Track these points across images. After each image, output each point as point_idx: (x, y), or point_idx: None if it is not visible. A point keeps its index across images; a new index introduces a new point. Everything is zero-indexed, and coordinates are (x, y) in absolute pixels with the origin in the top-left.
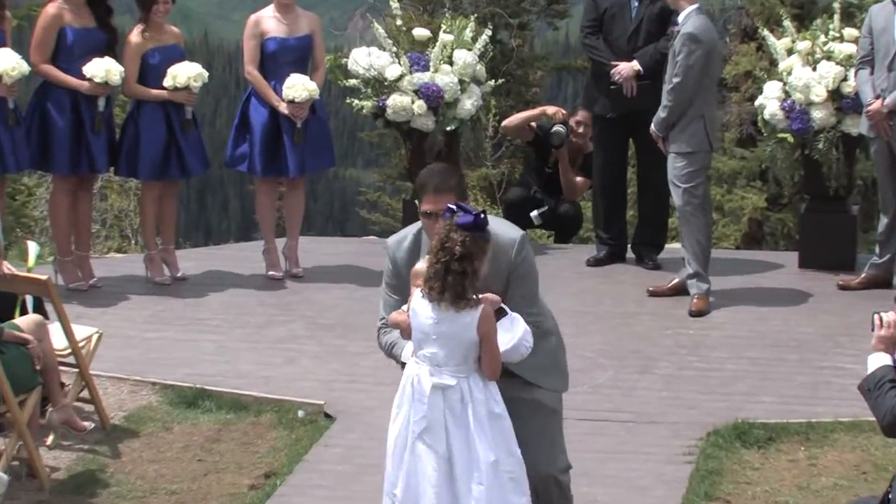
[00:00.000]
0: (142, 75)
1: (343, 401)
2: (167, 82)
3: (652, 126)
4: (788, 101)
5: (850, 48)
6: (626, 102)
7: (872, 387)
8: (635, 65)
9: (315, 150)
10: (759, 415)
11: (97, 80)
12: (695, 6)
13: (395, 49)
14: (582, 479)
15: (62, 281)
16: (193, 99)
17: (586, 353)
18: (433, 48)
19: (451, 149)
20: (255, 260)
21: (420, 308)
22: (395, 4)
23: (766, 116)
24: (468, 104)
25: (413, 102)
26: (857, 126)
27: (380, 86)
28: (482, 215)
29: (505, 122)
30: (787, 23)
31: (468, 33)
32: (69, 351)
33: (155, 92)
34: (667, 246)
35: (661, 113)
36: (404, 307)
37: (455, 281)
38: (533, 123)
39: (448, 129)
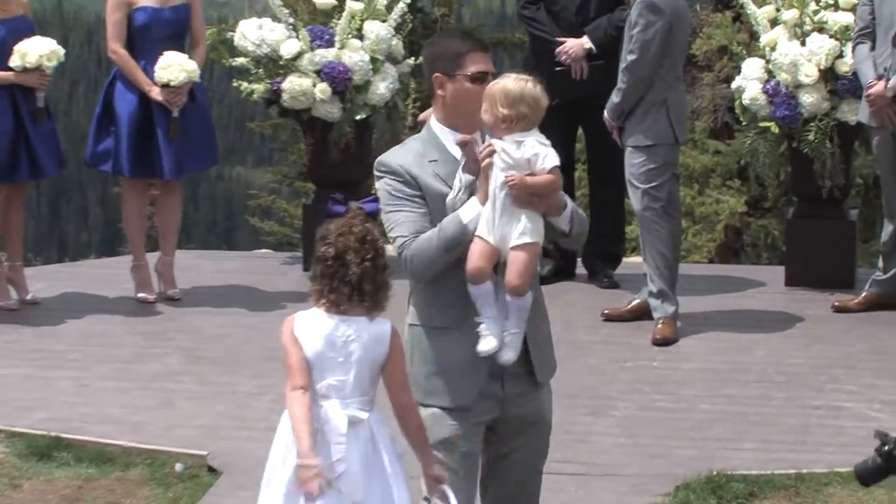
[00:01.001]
0: None
1: (231, 451)
2: (14, 62)
3: (605, 113)
4: (772, 83)
5: (846, 18)
6: (575, 87)
7: None
8: (585, 41)
9: (195, 145)
10: (738, 465)
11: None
12: None
13: (292, 21)
14: None
15: None
16: (46, 82)
17: None
18: (339, 19)
19: (362, 142)
20: (122, 279)
21: (321, 326)
22: None
23: (746, 101)
24: (382, 87)
25: (314, 86)
26: (856, 113)
27: (274, 65)
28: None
29: (422, 116)
30: None
31: (381, 0)
32: None
33: (0, 74)
34: (625, 259)
35: (614, 97)
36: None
37: (382, 282)
38: None
39: (358, 117)
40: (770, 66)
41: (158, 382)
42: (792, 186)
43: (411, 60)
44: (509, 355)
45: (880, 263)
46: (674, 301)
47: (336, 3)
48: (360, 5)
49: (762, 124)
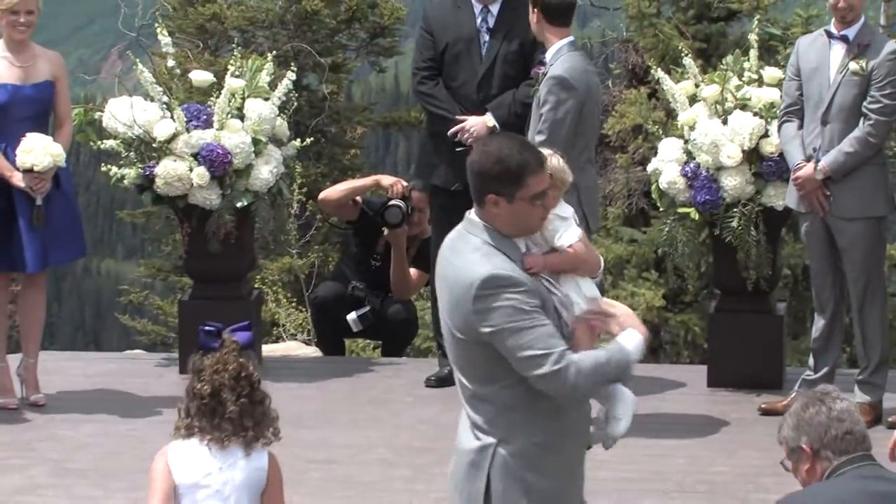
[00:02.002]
0: None
1: None
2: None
3: None
4: (691, 165)
5: (771, 94)
6: None
7: None
8: (489, 119)
9: (60, 235)
10: None
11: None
12: (567, 40)
13: (166, 99)
14: None
15: None
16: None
17: (426, 503)
18: (217, 97)
19: (244, 232)
20: None
21: (197, 457)
22: (165, 39)
23: (663, 185)
24: (265, 172)
25: (191, 170)
26: (783, 198)
27: (146, 148)
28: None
29: (322, 195)
30: (688, 60)
31: (264, 77)
32: None
33: None
34: None
35: None
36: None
37: (261, 416)
38: (358, 198)
39: (239, 205)
40: (689, 147)
41: (20, 497)
42: (714, 278)
43: (297, 142)
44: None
45: (811, 362)
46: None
47: (214, 80)
48: (241, 82)
49: (681, 210)
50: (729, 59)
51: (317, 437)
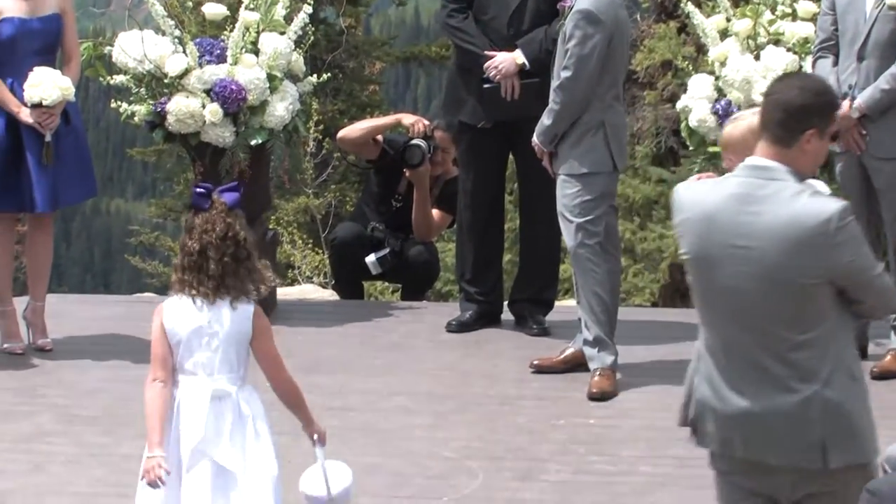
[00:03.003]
0: None
1: None
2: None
3: (534, 137)
4: (722, 103)
5: (805, 29)
6: (505, 108)
7: None
8: (518, 56)
9: (69, 174)
10: None
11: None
12: None
13: (178, 33)
14: None
15: None
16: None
17: (447, 452)
18: (231, 31)
19: (258, 171)
20: None
21: (181, 311)
22: None
23: (693, 123)
24: (280, 109)
25: (204, 107)
26: None
27: (158, 84)
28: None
29: (341, 133)
30: None
31: (280, 10)
32: None
33: None
34: (558, 303)
35: (545, 119)
36: None
37: (245, 273)
38: (379, 136)
39: (253, 142)
40: (720, 84)
41: (27, 444)
42: None
43: (314, 78)
44: None
45: None
46: (612, 350)
47: (228, 13)
48: (256, 16)
49: (711, 149)
50: None
51: (334, 383)
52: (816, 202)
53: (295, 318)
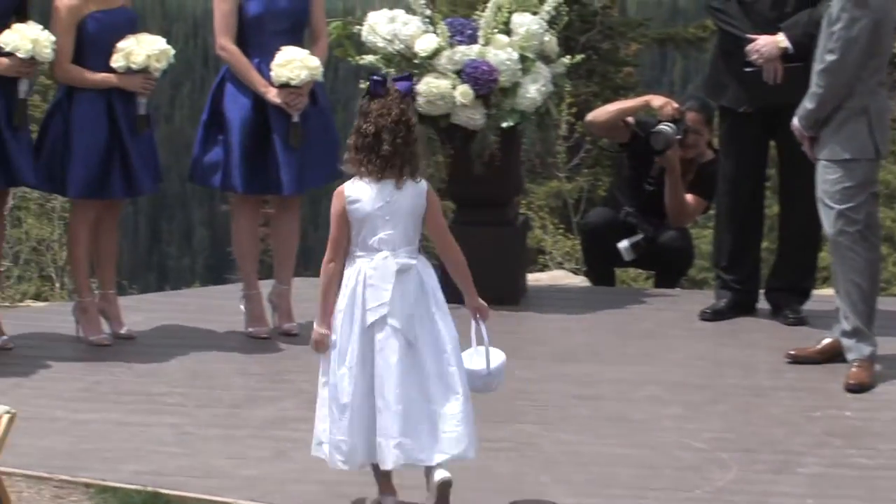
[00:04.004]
0: (77, 51)
1: None
2: (117, 62)
3: (794, 121)
4: None
5: None
6: (767, 93)
7: None
8: (781, 39)
9: (317, 156)
10: None
11: (21, 54)
12: None
13: (429, 13)
14: None
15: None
16: (151, 87)
17: (700, 443)
18: (483, 11)
19: (509, 154)
20: (231, 311)
21: (367, 192)
22: None
23: None
24: (532, 90)
25: (454, 88)
26: None
27: (407, 64)
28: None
29: (590, 117)
30: None
31: None
32: None
33: (100, 76)
34: (815, 292)
35: (808, 103)
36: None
37: (414, 154)
38: (630, 119)
39: (504, 125)
40: None
41: (272, 430)
42: None
43: (567, 59)
44: None
45: None
46: (871, 341)
47: None
48: None
49: None
50: None
51: (584, 371)
52: None
53: (545, 304)
